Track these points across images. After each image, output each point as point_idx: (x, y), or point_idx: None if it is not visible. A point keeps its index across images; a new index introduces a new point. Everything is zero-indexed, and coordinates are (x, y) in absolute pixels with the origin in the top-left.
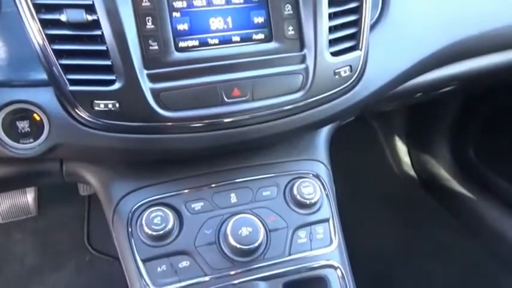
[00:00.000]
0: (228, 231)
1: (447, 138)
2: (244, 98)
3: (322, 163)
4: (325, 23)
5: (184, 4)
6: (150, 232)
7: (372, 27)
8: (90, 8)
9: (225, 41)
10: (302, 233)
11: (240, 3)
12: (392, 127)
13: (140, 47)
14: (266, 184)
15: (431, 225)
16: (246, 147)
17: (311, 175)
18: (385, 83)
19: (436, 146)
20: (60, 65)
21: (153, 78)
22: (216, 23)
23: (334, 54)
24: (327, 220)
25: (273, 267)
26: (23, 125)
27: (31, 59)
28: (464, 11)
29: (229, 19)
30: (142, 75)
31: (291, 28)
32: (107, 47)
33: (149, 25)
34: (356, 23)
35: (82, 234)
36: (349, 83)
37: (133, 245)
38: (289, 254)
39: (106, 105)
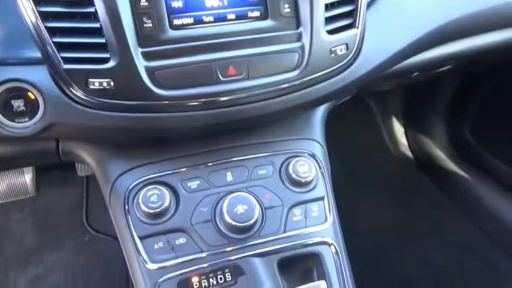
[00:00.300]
0: (224, 209)
1: (444, 119)
2: (239, 77)
3: (318, 142)
4: (321, 1)
5: None
6: (146, 210)
7: (369, 5)
8: None
9: (220, 19)
10: (297, 211)
11: None
12: (390, 108)
13: (134, 24)
14: (262, 163)
15: (426, 205)
16: (242, 126)
17: (306, 154)
18: (382, 62)
19: (433, 126)
20: (54, 43)
21: (147, 56)
22: (211, 0)
23: (330, 32)
24: (322, 198)
25: (268, 244)
26: (18, 104)
27: (25, 37)
28: None
29: None
30: (136, 53)
31: (286, 6)
32: (100, 25)
33: (143, 2)
34: (352, 1)
35: (81, 215)
36: (345, 61)
37: (131, 223)
38: (284, 231)
39: (101, 84)
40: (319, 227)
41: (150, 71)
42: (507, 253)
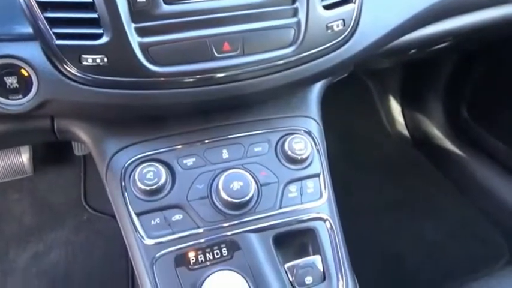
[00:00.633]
0: (220, 186)
1: (441, 98)
2: (235, 53)
3: (314, 119)
4: None
5: None
6: (143, 187)
7: None
8: None
9: None
10: (293, 188)
11: None
12: (387, 86)
13: None
14: (258, 140)
15: (422, 183)
16: (237, 103)
17: (302, 131)
18: (379, 38)
19: (430, 105)
20: (45, 18)
21: (141, 31)
22: None
23: (326, 7)
24: (317, 175)
25: (264, 220)
26: (11, 81)
27: (17, 13)
28: None
29: None
30: (130, 28)
31: None
32: None
33: None
34: None
35: (79, 194)
36: (342, 37)
37: (127, 199)
38: (280, 208)
39: (94, 60)
40: (315, 203)
41: (144, 47)
42: (501, 230)
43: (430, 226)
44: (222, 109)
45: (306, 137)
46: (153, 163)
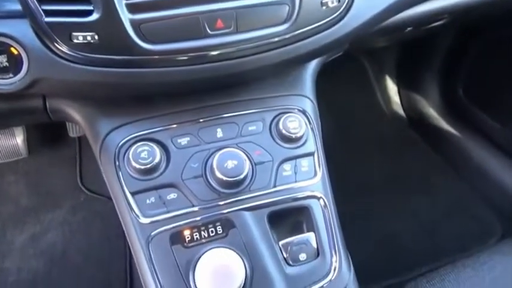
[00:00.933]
0: (214, 165)
1: (437, 78)
2: (228, 30)
3: (308, 98)
4: None
5: None
6: (137, 166)
7: None
8: None
9: None
10: (287, 166)
11: None
12: (383, 67)
13: None
14: (252, 119)
15: (417, 163)
16: (231, 82)
17: (297, 110)
18: (374, 15)
19: (426, 85)
20: None
21: (132, 8)
22: None
23: None
24: (311, 154)
25: (259, 198)
26: (1, 60)
27: None
28: None
29: None
30: (120, 4)
31: None
32: None
33: None
34: None
35: (75, 176)
36: (337, 14)
37: (122, 179)
38: (274, 186)
39: (85, 38)
40: (309, 181)
41: (135, 24)
42: (494, 209)
43: (424, 205)
44: (216, 88)
45: (300, 116)
46: (147, 142)
